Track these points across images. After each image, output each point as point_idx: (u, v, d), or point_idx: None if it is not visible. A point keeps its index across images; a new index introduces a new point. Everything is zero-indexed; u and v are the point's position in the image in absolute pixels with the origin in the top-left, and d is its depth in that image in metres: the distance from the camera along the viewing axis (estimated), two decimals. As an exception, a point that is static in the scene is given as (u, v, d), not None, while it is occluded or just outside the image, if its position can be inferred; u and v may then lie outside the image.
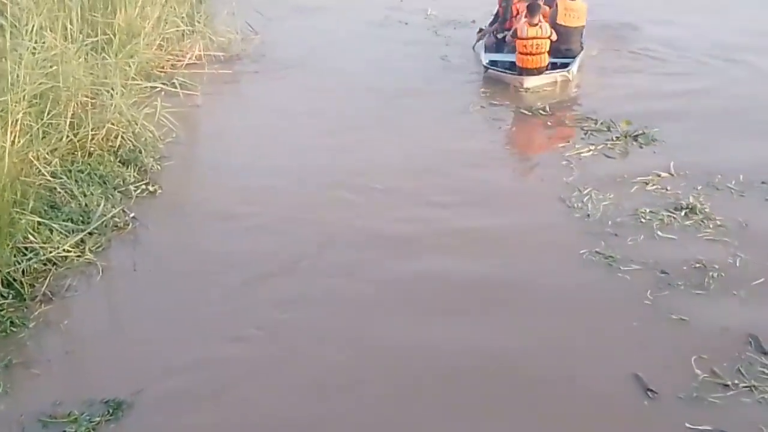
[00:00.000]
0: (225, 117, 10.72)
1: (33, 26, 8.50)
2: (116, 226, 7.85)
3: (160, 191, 8.61)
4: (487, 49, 12.54)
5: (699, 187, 8.79)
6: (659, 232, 7.94)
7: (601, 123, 10.51)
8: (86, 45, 9.53)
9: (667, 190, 8.77)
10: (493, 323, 6.65)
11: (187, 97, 10.60)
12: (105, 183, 8.39)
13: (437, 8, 15.22)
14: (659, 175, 9.07)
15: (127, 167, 8.78)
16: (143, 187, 8.56)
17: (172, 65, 11.43)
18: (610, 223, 8.13)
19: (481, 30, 13.25)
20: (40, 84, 8.21)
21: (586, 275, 7.28)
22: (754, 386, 5.90)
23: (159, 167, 9.02)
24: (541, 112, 10.94)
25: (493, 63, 12.09)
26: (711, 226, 8.05)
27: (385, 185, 8.89)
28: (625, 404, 5.78)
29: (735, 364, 6.12)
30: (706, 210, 8.30)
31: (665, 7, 15.47)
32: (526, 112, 10.97)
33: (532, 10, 11.46)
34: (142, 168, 8.87)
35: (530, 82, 11.63)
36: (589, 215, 8.29)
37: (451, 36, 14.00)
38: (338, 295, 7.03)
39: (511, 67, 11.85)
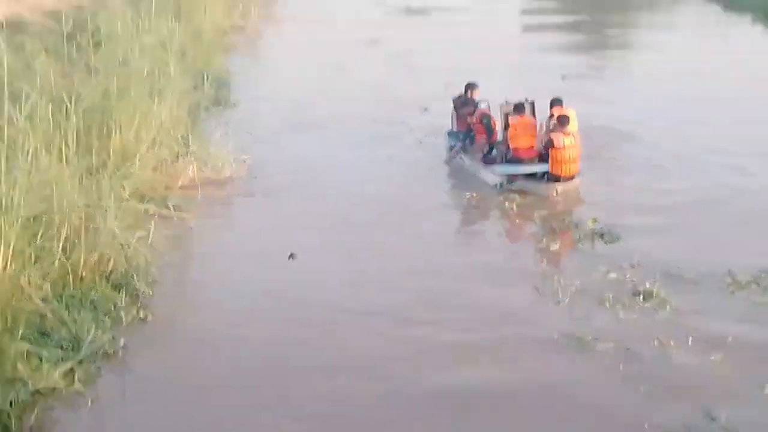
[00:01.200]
0: (217, 240, 10.67)
1: (29, 149, 8.46)
2: (106, 353, 7.69)
3: (151, 317, 8.46)
4: (488, 164, 12.87)
5: (657, 276, 9.42)
6: (621, 314, 8.77)
7: (569, 222, 11.27)
8: (81, 167, 9.50)
9: (626, 277, 9.54)
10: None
11: (180, 219, 10.55)
12: (96, 308, 8.23)
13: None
14: (621, 266, 9.76)
15: (119, 292, 8.63)
16: (134, 312, 8.42)
17: (165, 187, 11.41)
18: (577, 308, 8.91)
19: (452, 148, 13.65)
20: (34, 207, 8.12)
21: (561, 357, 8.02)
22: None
23: (150, 292, 8.88)
24: (511, 210, 11.78)
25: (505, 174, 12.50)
26: (667, 308, 8.84)
27: (374, 307, 8.98)
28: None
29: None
30: (662, 294, 9.04)
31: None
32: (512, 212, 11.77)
33: (563, 121, 12.10)
34: (134, 293, 8.74)
35: (563, 187, 12.25)
36: (559, 302, 9.02)
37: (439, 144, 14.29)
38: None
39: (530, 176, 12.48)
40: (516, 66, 20.55)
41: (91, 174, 9.75)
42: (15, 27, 14.90)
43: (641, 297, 9.05)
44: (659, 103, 17.03)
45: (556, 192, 12.23)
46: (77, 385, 7.10)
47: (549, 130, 12.38)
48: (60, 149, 9.36)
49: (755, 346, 8.22)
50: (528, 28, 26.88)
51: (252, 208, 11.68)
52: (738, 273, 9.59)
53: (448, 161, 13.59)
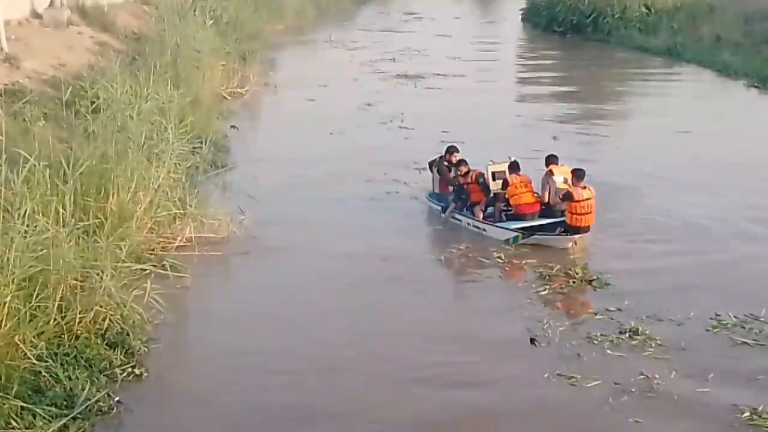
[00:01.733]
0: (214, 299, 10.78)
1: (25, 210, 8.61)
2: (100, 410, 7.76)
3: (146, 374, 8.54)
4: (497, 221, 13.20)
5: (644, 317, 10.09)
6: (609, 351, 9.35)
7: (559, 269, 11.64)
8: (78, 229, 9.63)
9: (611, 319, 10.13)
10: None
11: (176, 278, 10.64)
12: (91, 366, 8.31)
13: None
14: (608, 309, 10.35)
15: (114, 350, 8.71)
16: (129, 370, 8.49)
17: (162, 247, 11.54)
18: (567, 346, 9.49)
19: (444, 210, 13.81)
20: (30, 267, 8.25)
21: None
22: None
23: (146, 350, 8.96)
24: (498, 260, 12.17)
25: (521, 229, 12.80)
26: (653, 345, 9.43)
27: (374, 362, 9.13)
28: None
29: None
30: (647, 332, 9.66)
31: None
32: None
33: (579, 175, 12.57)
34: (129, 350, 8.81)
35: (579, 238, 12.65)
36: (549, 342, 9.57)
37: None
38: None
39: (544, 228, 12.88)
40: (508, 129, 20.93)
41: (87, 235, 9.86)
42: (14, 95, 15.19)
43: (627, 335, 9.66)
44: (652, 163, 17.22)
45: (575, 243, 12.53)
46: (71, 442, 7.16)
47: (549, 183, 12.95)
48: (57, 211, 9.51)
49: (737, 377, 8.87)
50: (522, 97, 27.22)
51: (248, 267, 11.76)
52: (723, 316, 10.15)
53: (444, 222, 13.70)
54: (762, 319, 10.10)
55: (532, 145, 17.00)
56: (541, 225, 12.84)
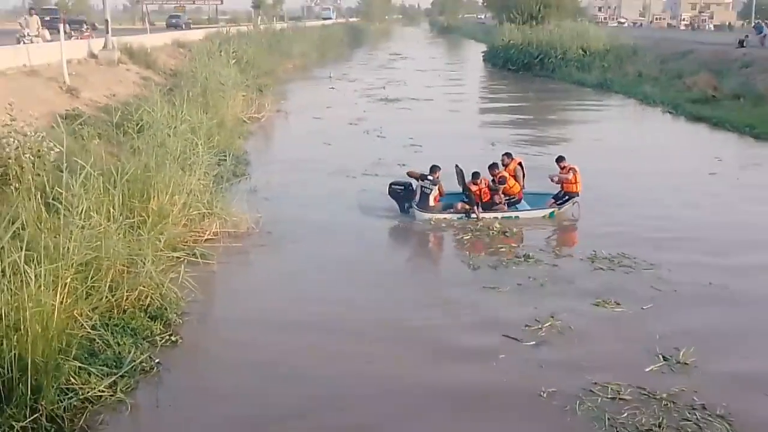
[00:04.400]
0: (235, 282, 10.66)
1: (82, 209, 8.54)
2: (144, 369, 7.67)
3: (181, 341, 8.45)
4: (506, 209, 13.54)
5: (538, 250, 11.04)
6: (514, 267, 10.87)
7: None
8: (125, 224, 9.56)
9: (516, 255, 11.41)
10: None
11: (205, 265, 10.54)
12: (136, 334, 8.22)
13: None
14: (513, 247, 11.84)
15: (155, 321, 8.61)
16: (167, 337, 8.41)
17: (194, 240, 11.42)
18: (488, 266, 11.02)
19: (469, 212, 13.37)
20: (86, 255, 8.17)
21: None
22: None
23: (181, 322, 8.86)
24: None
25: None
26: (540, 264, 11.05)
27: (373, 347, 8.53)
28: None
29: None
30: (536, 257, 11.39)
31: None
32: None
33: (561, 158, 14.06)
34: (167, 322, 8.71)
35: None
36: (478, 267, 10.96)
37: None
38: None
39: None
40: (459, 137, 21.56)
41: (132, 229, 9.78)
42: (74, 118, 15.08)
43: (523, 258, 11.20)
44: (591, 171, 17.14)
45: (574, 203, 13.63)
46: (119, 395, 7.08)
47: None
48: (108, 210, 9.43)
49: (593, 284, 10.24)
50: (478, 117, 27.98)
51: (264, 256, 11.63)
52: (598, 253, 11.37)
53: (477, 222, 13.15)
54: (627, 256, 11.21)
55: (476, 149, 18.59)
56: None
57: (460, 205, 13.42)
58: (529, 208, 13.61)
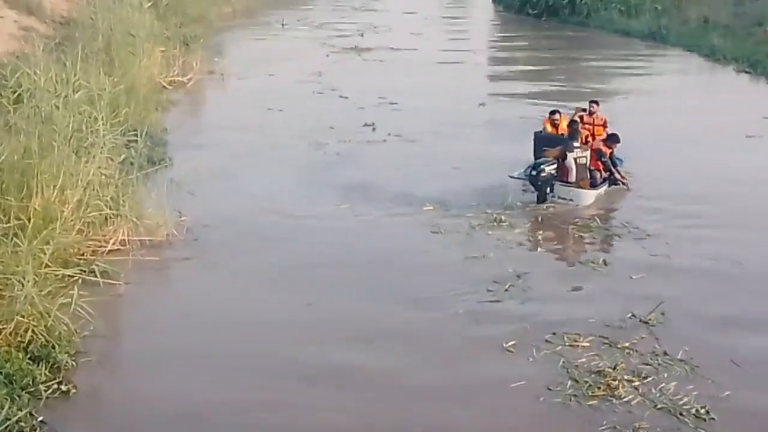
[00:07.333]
0: (150, 308, 10.66)
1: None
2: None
3: (74, 391, 8.46)
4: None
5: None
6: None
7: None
8: (-4, 230, 9.56)
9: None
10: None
11: (107, 286, 10.55)
12: (11, 383, 8.19)
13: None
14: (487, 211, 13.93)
15: (38, 364, 8.60)
16: (55, 386, 8.40)
17: (93, 251, 11.42)
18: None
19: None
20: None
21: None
22: None
23: (74, 364, 8.87)
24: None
25: None
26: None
27: (330, 362, 9.25)
28: None
29: None
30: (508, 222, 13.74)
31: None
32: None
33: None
34: (55, 365, 8.70)
35: None
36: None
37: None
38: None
39: None
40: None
41: (7, 237, 9.76)
42: None
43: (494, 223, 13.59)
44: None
45: None
46: (-13, 467, 7.10)
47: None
48: (-29, 212, 9.44)
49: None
50: (482, 69, 29.68)
51: (189, 272, 11.68)
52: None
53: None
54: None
55: (460, 110, 21.00)
56: None
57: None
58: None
